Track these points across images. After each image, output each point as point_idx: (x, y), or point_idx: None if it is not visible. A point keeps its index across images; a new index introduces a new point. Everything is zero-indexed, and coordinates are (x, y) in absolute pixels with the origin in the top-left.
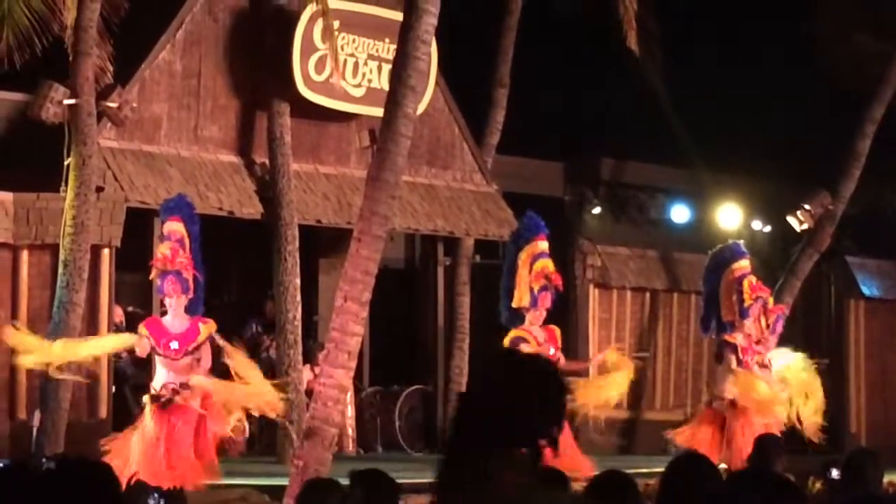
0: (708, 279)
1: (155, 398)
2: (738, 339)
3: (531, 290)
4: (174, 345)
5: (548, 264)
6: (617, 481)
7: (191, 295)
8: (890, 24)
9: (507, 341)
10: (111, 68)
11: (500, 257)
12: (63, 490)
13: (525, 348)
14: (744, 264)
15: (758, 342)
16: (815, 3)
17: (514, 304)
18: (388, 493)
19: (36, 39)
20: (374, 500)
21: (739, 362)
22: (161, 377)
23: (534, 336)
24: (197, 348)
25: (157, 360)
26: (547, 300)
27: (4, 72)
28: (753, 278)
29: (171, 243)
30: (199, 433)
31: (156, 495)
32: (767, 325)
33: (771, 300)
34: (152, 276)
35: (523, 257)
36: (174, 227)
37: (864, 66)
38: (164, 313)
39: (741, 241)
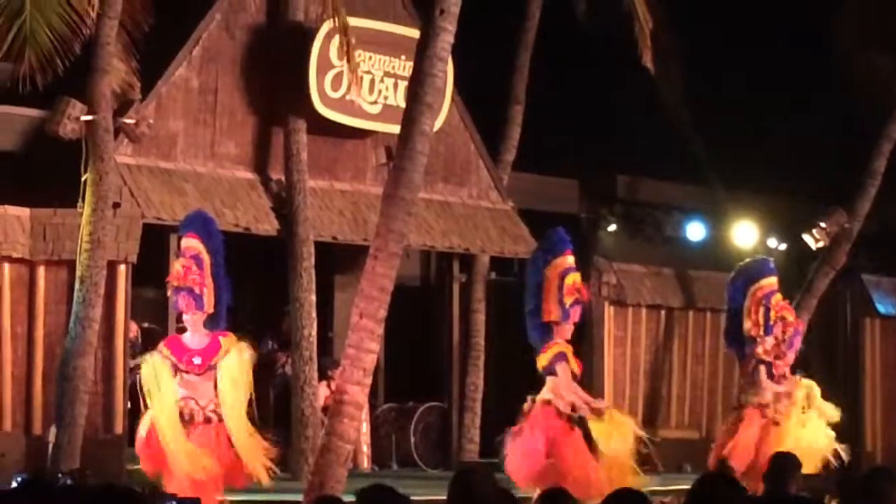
0: (734, 293)
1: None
2: (763, 355)
3: (562, 304)
4: (197, 360)
5: (577, 278)
6: (631, 499)
7: (209, 310)
8: None
9: (547, 358)
10: (138, 84)
11: (515, 275)
12: None
13: (564, 367)
14: (772, 281)
15: (777, 357)
16: (832, 22)
17: (545, 319)
18: None
19: (58, 60)
20: None
21: (771, 376)
22: (181, 394)
23: (571, 351)
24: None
25: (178, 378)
26: (577, 314)
27: (27, 92)
28: (780, 296)
29: (185, 260)
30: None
31: (174, 502)
32: (784, 340)
33: (791, 317)
34: (169, 292)
35: (552, 272)
36: (190, 243)
37: (880, 84)
38: (182, 330)
39: (770, 259)
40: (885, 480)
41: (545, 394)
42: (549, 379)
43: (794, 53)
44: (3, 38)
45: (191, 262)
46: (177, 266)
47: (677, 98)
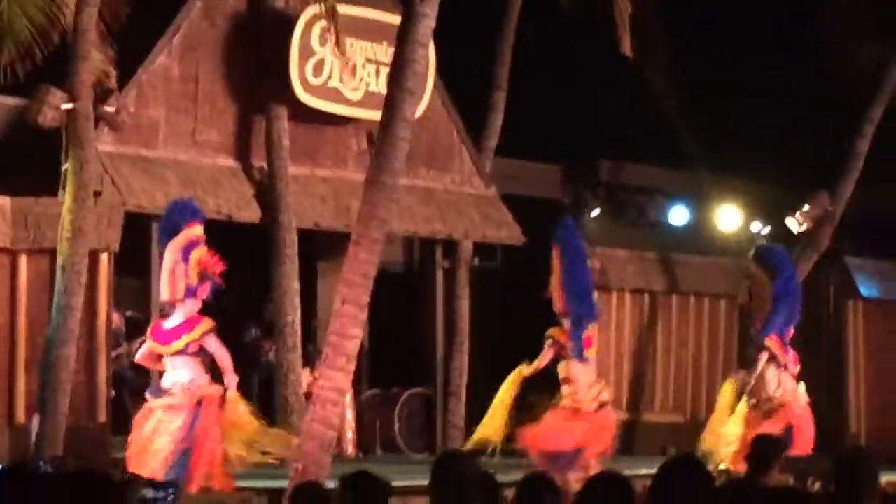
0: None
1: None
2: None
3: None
4: (168, 326)
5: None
6: (613, 482)
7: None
8: (890, 28)
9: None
10: (114, 72)
11: (499, 260)
12: (68, 498)
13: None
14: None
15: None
16: (816, 8)
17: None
18: (380, 496)
19: (37, 49)
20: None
21: (779, 365)
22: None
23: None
24: (196, 344)
25: (165, 361)
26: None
27: (8, 82)
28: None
29: (205, 247)
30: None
31: (152, 488)
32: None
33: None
34: (192, 280)
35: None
36: (199, 231)
37: (863, 68)
38: (163, 317)
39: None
40: (860, 461)
41: None
42: None
43: (777, 38)
44: None
45: (210, 250)
46: (204, 255)
47: (661, 83)
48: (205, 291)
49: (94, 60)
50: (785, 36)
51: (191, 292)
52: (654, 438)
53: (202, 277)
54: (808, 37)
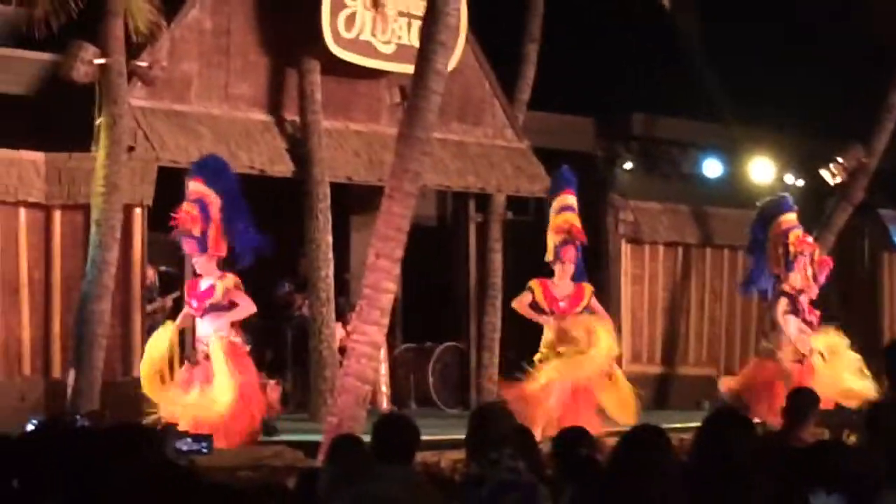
0: (755, 232)
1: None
2: (789, 290)
3: (554, 244)
4: (194, 303)
5: (569, 217)
6: (649, 434)
7: (216, 253)
8: None
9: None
10: (164, 24)
11: (532, 214)
12: (105, 450)
13: (523, 299)
14: (790, 217)
15: (801, 291)
16: None
17: (546, 259)
18: (411, 437)
19: (71, 3)
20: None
21: (796, 312)
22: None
23: (543, 288)
24: (218, 305)
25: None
26: (569, 253)
27: (42, 36)
28: (800, 231)
29: (188, 204)
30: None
31: (188, 439)
32: (814, 276)
33: (817, 252)
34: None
35: (551, 212)
36: (195, 187)
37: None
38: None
39: (788, 195)
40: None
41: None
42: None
43: None
44: None
45: (193, 207)
46: (180, 212)
47: (694, 34)
48: (190, 247)
49: (143, 11)
50: None
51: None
52: (688, 392)
53: (180, 235)
54: None
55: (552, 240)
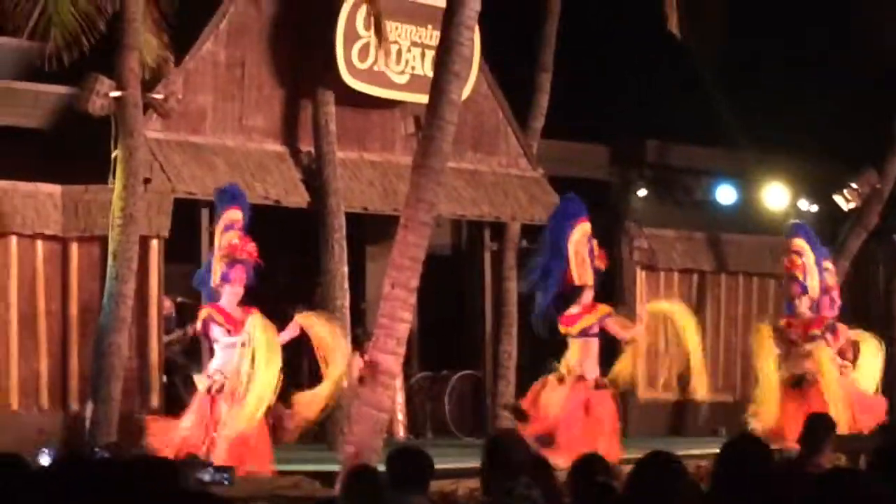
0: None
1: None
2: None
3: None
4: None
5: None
6: (663, 461)
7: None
8: None
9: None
10: (172, 57)
11: None
12: (126, 483)
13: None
14: (796, 242)
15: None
16: None
17: (577, 282)
18: (423, 468)
19: (84, 38)
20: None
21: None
22: (216, 363)
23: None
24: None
25: (219, 345)
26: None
27: (53, 70)
28: (794, 257)
29: (238, 232)
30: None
31: (211, 469)
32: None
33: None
34: (216, 262)
35: (578, 237)
36: (235, 216)
37: None
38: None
39: (799, 221)
40: None
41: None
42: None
43: (824, 16)
44: (28, 16)
45: (244, 235)
46: (231, 238)
47: (707, 62)
48: (239, 276)
49: (151, 47)
50: (832, 11)
51: (224, 278)
52: (704, 419)
53: (231, 262)
54: (855, 11)
55: (590, 264)
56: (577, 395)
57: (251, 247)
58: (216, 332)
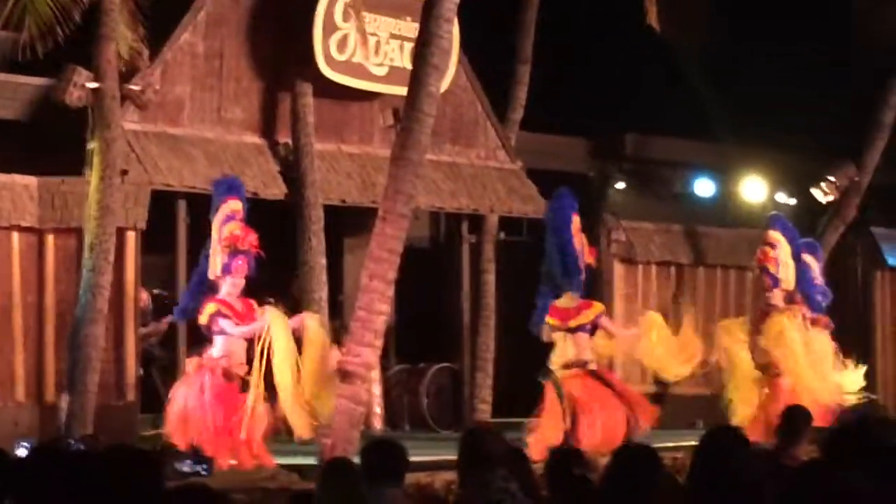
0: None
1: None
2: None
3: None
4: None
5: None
6: (640, 453)
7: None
8: None
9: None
10: (146, 50)
11: (524, 234)
12: (103, 475)
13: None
14: (769, 235)
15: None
16: None
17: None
18: (398, 461)
19: (58, 28)
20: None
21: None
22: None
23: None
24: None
25: (223, 336)
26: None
27: (27, 61)
28: (766, 248)
29: (239, 223)
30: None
31: (188, 461)
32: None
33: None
34: (214, 251)
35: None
36: (235, 206)
37: (891, 37)
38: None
39: (776, 213)
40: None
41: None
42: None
43: (803, 9)
44: (2, 6)
45: (245, 226)
46: (233, 229)
47: (687, 55)
48: (240, 267)
49: (126, 39)
50: (810, 4)
51: (225, 269)
52: (682, 412)
53: (233, 252)
54: (835, 4)
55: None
56: (597, 383)
57: (253, 237)
58: (224, 323)
